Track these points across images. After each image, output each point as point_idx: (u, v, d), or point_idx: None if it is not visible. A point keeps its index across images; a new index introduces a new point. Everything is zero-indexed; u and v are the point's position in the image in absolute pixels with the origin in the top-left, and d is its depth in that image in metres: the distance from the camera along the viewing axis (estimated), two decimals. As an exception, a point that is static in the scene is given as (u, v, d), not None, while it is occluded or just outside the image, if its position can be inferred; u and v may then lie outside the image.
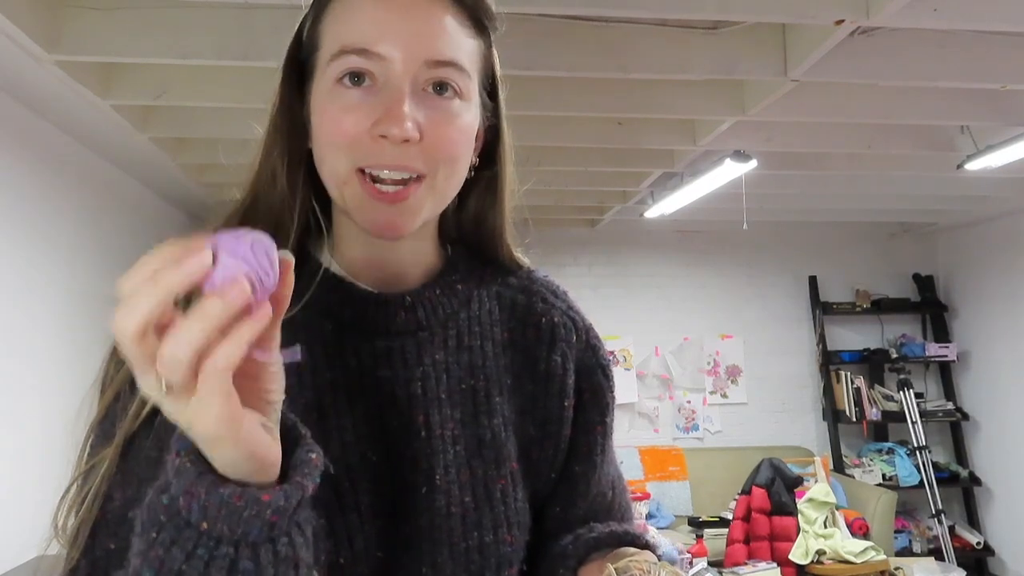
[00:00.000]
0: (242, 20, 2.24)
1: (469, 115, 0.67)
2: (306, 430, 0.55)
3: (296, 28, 0.71)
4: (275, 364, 0.51)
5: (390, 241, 0.68)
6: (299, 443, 0.54)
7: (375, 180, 0.64)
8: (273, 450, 0.50)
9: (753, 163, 3.38)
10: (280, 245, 0.68)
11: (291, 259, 0.51)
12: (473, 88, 0.67)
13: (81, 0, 2.21)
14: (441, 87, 0.65)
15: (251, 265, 0.48)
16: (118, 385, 0.65)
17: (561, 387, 0.75)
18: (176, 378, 0.45)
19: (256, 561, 0.49)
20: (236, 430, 0.47)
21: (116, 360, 0.66)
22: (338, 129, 0.64)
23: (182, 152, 3.59)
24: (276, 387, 0.51)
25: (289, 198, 0.69)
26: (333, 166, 0.65)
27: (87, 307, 3.39)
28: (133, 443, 0.63)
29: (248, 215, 0.69)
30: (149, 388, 0.46)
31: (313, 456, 0.53)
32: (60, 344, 3.18)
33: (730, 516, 4.37)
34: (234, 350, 0.45)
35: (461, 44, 0.66)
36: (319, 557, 0.61)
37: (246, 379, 0.49)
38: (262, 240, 0.50)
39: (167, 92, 2.66)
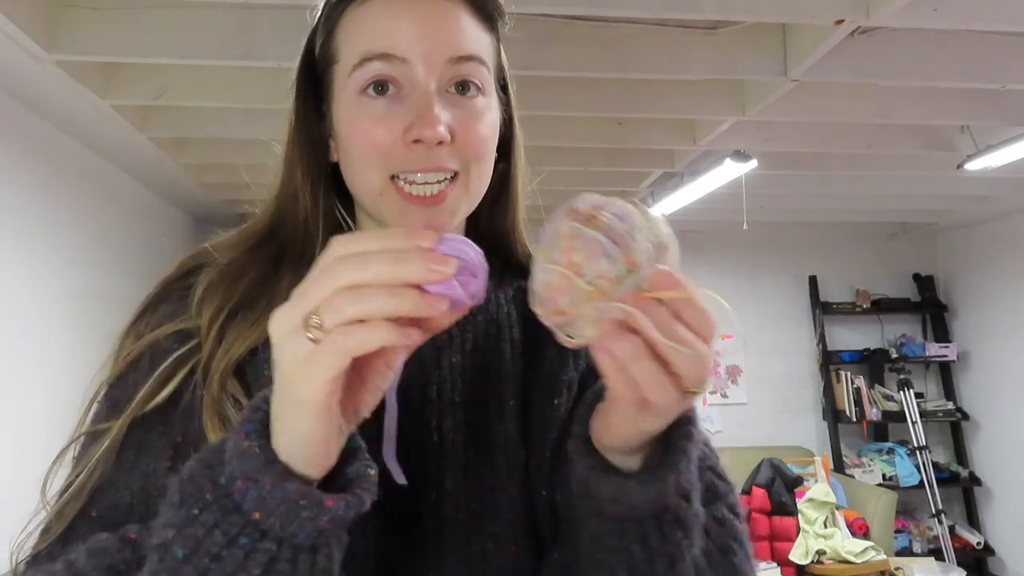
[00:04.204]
0: (242, 20, 2.24)
1: (492, 111, 0.68)
2: (363, 443, 0.54)
3: (305, 44, 0.71)
4: (385, 382, 0.52)
5: None
6: (356, 455, 0.53)
7: (409, 184, 0.64)
8: (334, 451, 0.50)
9: (753, 163, 3.38)
10: (308, 256, 0.67)
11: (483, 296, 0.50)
12: (492, 83, 0.68)
13: (81, 0, 2.20)
14: (463, 86, 0.65)
15: (469, 289, 0.48)
16: (136, 353, 0.65)
17: (553, 386, 0.71)
18: (328, 322, 0.45)
19: (294, 565, 0.48)
20: (326, 406, 0.47)
21: (135, 333, 0.67)
22: (369, 140, 0.64)
23: (182, 152, 3.59)
24: (371, 401, 0.52)
25: (312, 211, 0.70)
26: (367, 179, 0.65)
27: (87, 306, 3.39)
28: (140, 424, 0.63)
29: (273, 228, 0.71)
30: (284, 323, 0.47)
31: (372, 472, 0.52)
32: (60, 344, 3.18)
33: (730, 516, 4.37)
34: (370, 338, 0.45)
35: (478, 39, 0.66)
36: None
37: (356, 380, 0.50)
38: (483, 266, 0.50)
39: (167, 92, 2.66)
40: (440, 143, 0.62)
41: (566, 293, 0.48)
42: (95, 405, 0.66)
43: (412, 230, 0.48)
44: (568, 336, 0.51)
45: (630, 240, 0.48)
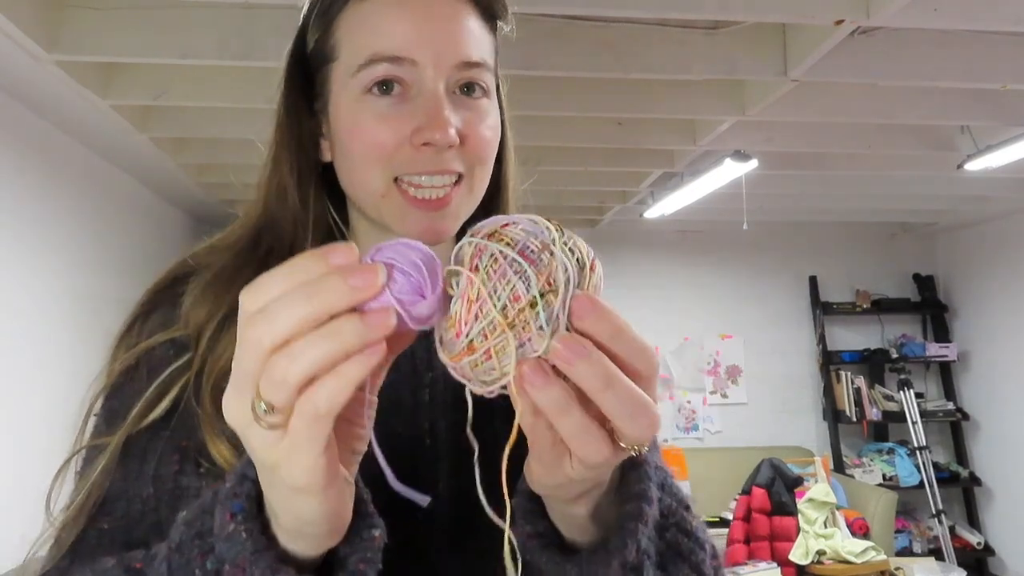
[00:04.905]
0: (243, 20, 2.24)
1: (495, 113, 0.67)
2: (367, 492, 0.47)
3: (295, 39, 0.69)
4: (373, 408, 0.44)
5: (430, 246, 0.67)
6: (359, 510, 0.47)
7: (415, 187, 0.63)
8: (349, 508, 0.45)
9: (753, 163, 3.38)
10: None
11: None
12: (494, 85, 0.67)
13: (81, 0, 2.20)
14: (469, 88, 0.64)
15: (415, 290, 0.40)
16: (131, 362, 0.64)
17: None
18: (278, 401, 0.38)
19: None
20: (329, 485, 0.41)
21: (127, 344, 0.66)
22: (374, 141, 0.62)
23: (182, 152, 3.59)
24: (367, 435, 0.45)
25: (301, 213, 0.67)
26: (368, 180, 0.64)
27: (87, 306, 3.39)
28: (143, 432, 0.61)
29: (260, 231, 0.68)
30: (238, 412, 0.40)
31: (376, 534, 0.47)
32: (60, 344, 3.18)
33: (730, 516, 4.37)
34: (339, 388, 0.38)
35: (484, 42, 0.65)
36: None
37: (338, 420, 0.41)
38: (434, 264, 0.41)
39: (167, 92, 2.66)
40: (450, 147, 0.61)
41: (473, 324, 0.40)
42: (93, 418, 0.64)
43: (323, 249, 0.39)
44: (483, 382, 0.41)
45: (545, 255, 0.40)
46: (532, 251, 0.40)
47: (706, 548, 0.59)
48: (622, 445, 0.43)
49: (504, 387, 0.41)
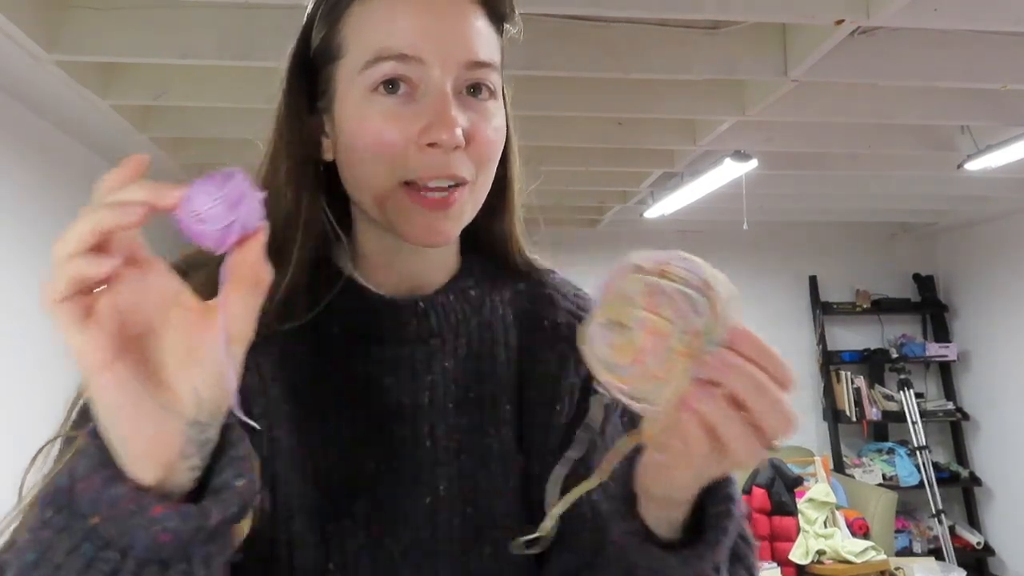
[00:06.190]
0: (243, 20, 2.24)
1: (501, 114, 0.66)
2: (249, 451, 0.48)
3: (299, 36, 0.68)
4: (237, 346, 0.46)
5: (432, 248, 0.66)
6: (231, 463, 0.47)
7: (420, 189, 0.62)
8: (167, 443, 0.44)
9: (753, 163, 3.38)
10: (287, 262, 0.64)
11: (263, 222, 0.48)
12: (500, 86, 0.67)
13: (81, 0, 2.21)
14: (475, 88, 0.63)
15: (223, 205, 0.47)
16: None
17: (553, 391, 0.70)
18: (59, 281, 0.42)
19: None
20: (103, 363, 0.43)
21: None
22: (381, 140, 0.61)
23: (182, 152, 3.59)
24: (197, 366, 0.45)
25: (294, 212, 0.66)
26: (372, 180, 0.63)
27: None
28: None
29: None
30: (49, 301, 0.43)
31: (239, 484, 0.46)
32: (60, 344, 3.17)
33: (730, 516, 4.37)
34: (80, 230, 0.42)
35: (492, 42, 0.65)
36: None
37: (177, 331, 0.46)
38: (244, 186, 0.47)
39: (167, 92, 2.66)
40: (457, 148, 0.61)
41: (656, 354, 0.45)
42: (80, 401, 0.64)
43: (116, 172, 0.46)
44: (635, 400, 0.47)
45: (710, 291, 0.47)
46: (699, 287, 0.47)
47: (754, 551, 0.66)
48: (770, 445, 0.49)
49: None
